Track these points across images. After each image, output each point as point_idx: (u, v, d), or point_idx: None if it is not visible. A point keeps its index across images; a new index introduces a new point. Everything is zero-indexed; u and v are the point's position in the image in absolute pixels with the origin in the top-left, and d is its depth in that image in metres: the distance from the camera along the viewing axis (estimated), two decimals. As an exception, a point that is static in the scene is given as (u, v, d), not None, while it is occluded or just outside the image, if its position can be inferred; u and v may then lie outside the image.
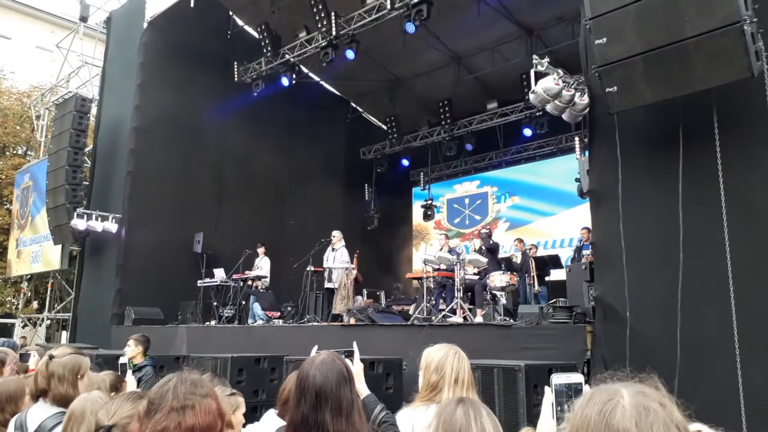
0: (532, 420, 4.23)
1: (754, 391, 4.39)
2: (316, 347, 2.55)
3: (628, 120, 5.55)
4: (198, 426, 1.68)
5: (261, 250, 11.36)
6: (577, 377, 1.37)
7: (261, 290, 10.85)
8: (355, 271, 10.42)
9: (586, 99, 6.26)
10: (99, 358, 6.42)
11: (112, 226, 11.99)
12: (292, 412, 2.09)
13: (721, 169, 4.87)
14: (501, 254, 10.64)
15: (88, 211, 12.25)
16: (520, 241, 11.58)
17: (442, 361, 2.46)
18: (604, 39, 5.05)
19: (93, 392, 2.44)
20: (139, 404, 1.80)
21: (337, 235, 10.43)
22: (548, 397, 1.41)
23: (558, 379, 1.37)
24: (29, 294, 18.31)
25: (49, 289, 16.58)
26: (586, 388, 1.32)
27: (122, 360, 4.09)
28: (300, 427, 2.01)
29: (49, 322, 17.02)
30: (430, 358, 2.51)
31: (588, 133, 6.41)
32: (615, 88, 5.11)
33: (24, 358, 5.11)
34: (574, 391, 1.34)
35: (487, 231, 10.55)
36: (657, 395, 1.09)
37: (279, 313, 10.51)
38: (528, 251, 11.21)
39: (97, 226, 11.96)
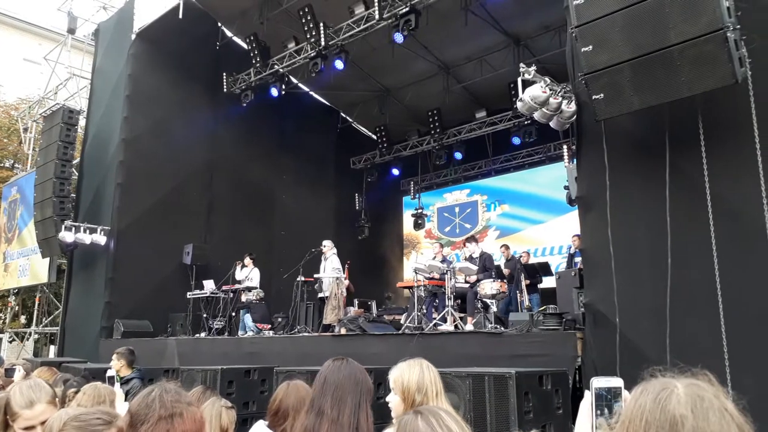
0: (523, 426, 4.22)
1: (743, 394, 4.39)
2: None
3: (615, 127, 5.59)
4: None
5: (249, 261, 11.26)
6: (617, 381, 1.34)
7: (255, 301, 10.77)
8: (346, 281, 10.38)
9: (573, 106, 6.29)
10: (86, 371, 6.35)
11: (100, 239, 11.89)
12: (308, 407, 2.29)
13: (707, 174, 4.90)
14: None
15: (76, 224, 12.13)
16: (507, 247, 11.56)
17: (421, 379, 2.42)
18: (590, 47, 5.08)
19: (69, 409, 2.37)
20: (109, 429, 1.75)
21: (327, 244, 10.37)
22: (587, 400, 1.37)
23: (598, 382, 1.34)
24: (17, 308, 18.12)
25: (37, 302, 16.40)
26: (625, 393, 1.30)
27: (110, 373, 4.04)
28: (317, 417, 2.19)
29: (37, 336, 16.82)
30: (407, 379, 2.43)
31: (575, 140, 6.45)
32: (601, 95, 5.14)
33: (9, 372, 5.05)
34: (613, 395, 1.32)
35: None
36: (710, 388, 1.10)
37: (270, 326, 10.45)
38: (518, 258, 11.20)
39: (86, 238, 11.86)
